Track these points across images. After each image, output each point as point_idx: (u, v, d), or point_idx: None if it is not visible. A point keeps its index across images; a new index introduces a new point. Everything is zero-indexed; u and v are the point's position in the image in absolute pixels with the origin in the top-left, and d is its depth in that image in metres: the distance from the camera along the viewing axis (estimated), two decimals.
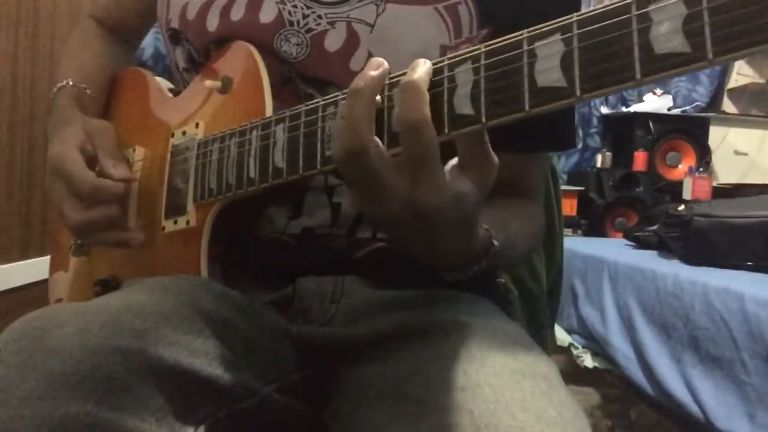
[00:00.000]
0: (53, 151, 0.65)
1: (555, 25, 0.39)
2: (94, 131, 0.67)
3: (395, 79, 0.45)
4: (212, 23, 0.66)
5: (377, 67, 0.44)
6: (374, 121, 0.44)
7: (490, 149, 0.44)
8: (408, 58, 0.45)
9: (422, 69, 0.43)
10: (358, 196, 0.46)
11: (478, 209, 0.47)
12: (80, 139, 0.66)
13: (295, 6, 0.63)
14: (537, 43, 0.39)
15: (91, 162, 0.65)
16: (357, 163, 0.43)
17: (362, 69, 0.60)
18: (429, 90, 0.43)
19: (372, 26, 0.62)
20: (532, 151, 0.68)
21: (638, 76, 0.35)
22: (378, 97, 0.45)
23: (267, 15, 0.63)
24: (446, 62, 0.43)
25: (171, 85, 0.80)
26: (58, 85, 0.74)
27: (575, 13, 0.38)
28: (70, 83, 0.74)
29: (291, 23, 0.63)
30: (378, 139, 0.44)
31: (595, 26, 0.37)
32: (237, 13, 0.64)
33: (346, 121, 0.43)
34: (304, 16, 0.63)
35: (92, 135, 0.67)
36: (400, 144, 0.44)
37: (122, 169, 0.65)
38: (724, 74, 3.15)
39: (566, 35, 0.38)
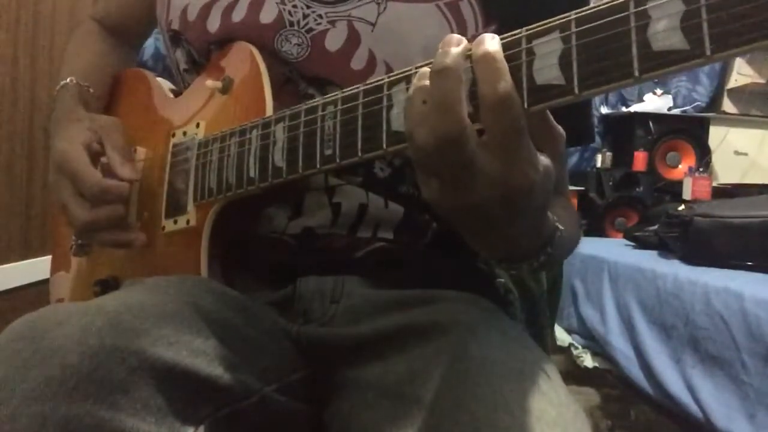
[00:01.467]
0: (58, 148, 0.65)
1: (553, 23, 0.39)
2: (103, 128, 0.68)
3: (395, 78, 0.45)
4: (213, 24, 0.66)
5: (458, 42, 0.40)
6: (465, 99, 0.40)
7: (554, 122, 0.43)
8: (410, 56, 0.44)
9: (494, 40, 0.40)
10: (441, 188, 0.42)
11: (553, 188, 0.44)
12: (86, 137, 0.66)
13: (295, 6, 0.63)
14: (535, 41, 0.39)
15: (96, 159, 0.65)
16: (454, 149, 0.39)
17: (363, 68, 0.60)
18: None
19: (373, 25, 0.61)
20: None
21: (636, 73, 0.35)
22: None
23: (268, 15, 0.63)
24: None
25: (172, 86, 0.80)
26: (62, 83, 0.74)
27: (574, 11, 0.38)
28: (73, 81, 0.74)
29: (291, 23, 0.63)
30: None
31: (594, 24, 0.37)
32: (238, 14, 0.64)
33: (437, 104, 0.39)
34: (305, 16, 0.62)
35: (101, 131, 0.67)
36: (400, 143, 0.43)
37: (130, 169, 0.65)
38: (724, 74, 3.15)
39: (565, 33, 0.38)
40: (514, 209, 0.42)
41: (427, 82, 0.40)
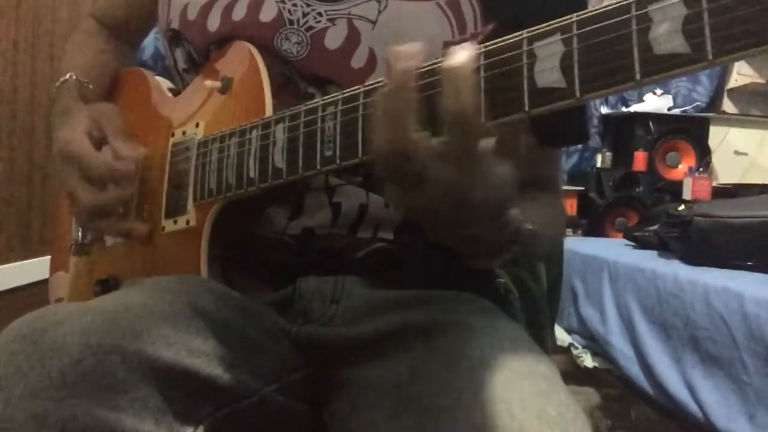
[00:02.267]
0: (61, 138, 0.66)
1: (555, 25, 0.38)
2: (101, 114, 0.68)
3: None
4: (213, 23, 0.66)
5: (410, 57, 0.42)
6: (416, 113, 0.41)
7: (523, 131, 0.43)
8: None
9: (463, 54, 0.41)
10: (399, 193, 0.44)
11: (516, 192, 0.45)
12: (87, 125, 0.66)
13: (294, 4, 0.63)
14: (536, 44, 0.39)
15: (99, 146, 0.66)
16: (403, 161, 0.41)
17: (363, 66, 0.60)
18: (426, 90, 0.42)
19: (374, 23, 0.61)
20: (548, 146, 0.68)
21: (638, 77, 0.35)
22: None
23: (267, 14, 0.63)
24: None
25: (171, 85, 0.80)
26: (61, 79, 0.74)
27: (575, 13, 0.38)
28: (73, 77, 0.74)
29: (291, 22, 0.63)
30: (423, 132, 0.42)
31: (595, 26, 0.36)
32: (239, 13, 0.64)
33: (387, 119, 0.41)
34: (304, 14, 0.62)
35: (100, 118, 0.68)
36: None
37: (133, 150, 0.66)
38: (724, 74, 3.15)
39: (566, 35, 0.38)
40: (468, 215, 0.44)
41: (379, 97, 0.43)
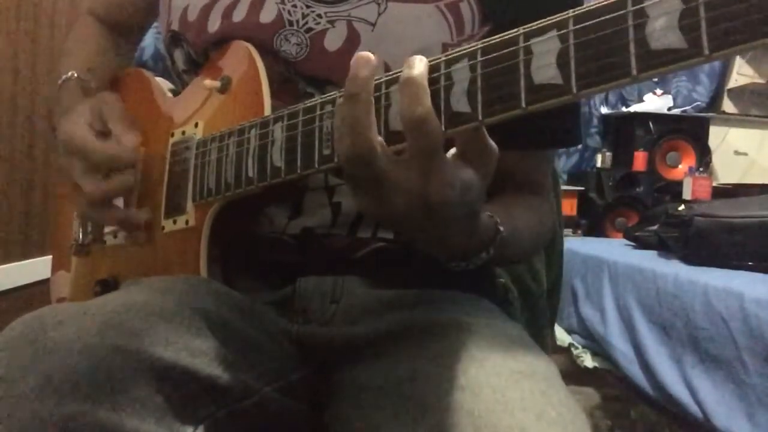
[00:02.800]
0: (63, 130, 0.67)
1: (551, 22, 0.38)
2: (102, 103, 0.68)
3: (392, 77, 0.45)
4: (213, 24, 0.66)
5: (366, 64, 0.44)
6: (375, 121, 0.43)
7: (489, 139, 0.44)
8: (410, 56, 0.44)
9: (420, 64, 0.43)
10: (363, 197, 0.46)
11: (483, 197, 0.47)
12: (88, 116, 0.67)
13: (294, 6, 0.63)
14: (533, 40, 0.39)
15: (101, 137, 0.66)
16: (365, 165, 0.43)
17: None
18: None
19: (373, 25, 0.62)
20: (537, 149, 0.68)
21: (634, 72, 0.35)
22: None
23: (267, 15, 0.63)
24: (442, 59, 0.43)
25: (171, 86, 0.80)
26: (63, 77, 0.74)
27: (571, 10, 0.38)
28: (75, 76, 0.74)
29: (291, 23, 0.63)
30: (382, 139, 0.44)
31: (591, 22, 0.36)
32: (239, 14, 0.64)
33: (348, 125, 0.43)
34: (304, 16, 0.62)
35: (101, 107, 0.68)
36: (400, 141, 0.44)
37: (135, 136, 0.66)
38: (724, 74, 3.15)
39: (562, 32, 0.38)
40: (434, 219, 0.45)
41: (339, 104, 0.44)
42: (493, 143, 0.45)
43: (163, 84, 0.78)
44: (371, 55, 0.44)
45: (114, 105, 0.69)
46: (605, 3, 0.36)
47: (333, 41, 0.62)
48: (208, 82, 0.64)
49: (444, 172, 0.43)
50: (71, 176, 0.66)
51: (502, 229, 0.52)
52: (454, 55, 0.43)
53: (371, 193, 0.45)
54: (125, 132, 0.65)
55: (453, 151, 0.45)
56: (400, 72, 0.45)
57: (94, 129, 0.66)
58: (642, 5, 0.34)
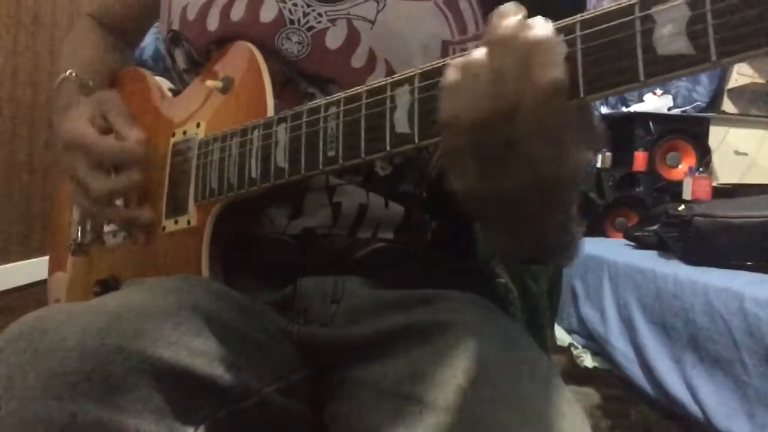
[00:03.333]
0: (63, 129, 0.66)
1: (558, 26, 0.38)
2: (103, 100, 0.68)
3: (396, 79, 0.45)
4: (213, 23, 0.66)
5: (516, 12, 0.39)
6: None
7: (594, 116, 0.42)
8: (410, 55, 0.45)
9: (546, 24, 0.38)
10: (480, 171, 0.41)
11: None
12: (90, 113, 0.67)
13: (295, 4, 0.63)
14: None
15: (103, 133, 0.66)
16: (506, 123, 0.38)
17: (363, 66, 0.60)
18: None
19: (372, 23, 0.62)
20: None
21: (642, 77, 0.35)
22: None
23: (267, 14, 0.63)
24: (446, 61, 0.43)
25: (171, 85, 0.80)
26: (62, 75, 0.74)
27: (579, 15, 0.38)
28: (73, 74, 0.74)
29: (292, 22, 0.63)
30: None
31: (599, 28, 0.37)
32: (237, 13, 0.64)
33: (499, 74, 0.38)
34: (305, 14, 0.63)
35: (102, 104, 0.68)
36: (408, 143, 0.43)
37: (138, 131, 0.65)
38: (724, 74, 3.15)
39: (569, 36, 0.38)
40: (548, 199, 0.42)
41: (476, 56, 0.39)
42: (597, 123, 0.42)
43: (163, 83, 0.78)
44: (518, 9, 0.40)
45: (115, 102, 0.69)
46: (613, 8, 0.36)
47: (334, 40, 0.62)
48: (210, 82, 0.64)
49: (573, 142, 0.40)
50: (74, 174, 0.65)
51: (579, 228, 0.50)
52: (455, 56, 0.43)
53: (492, 162, 0.40)
54: (129, 128, 0.65)
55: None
56: (405, 75, 0.45)
57: (96, 125, 0.66)
58: (649, 11, 0.35)
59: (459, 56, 0.41)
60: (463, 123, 0.40)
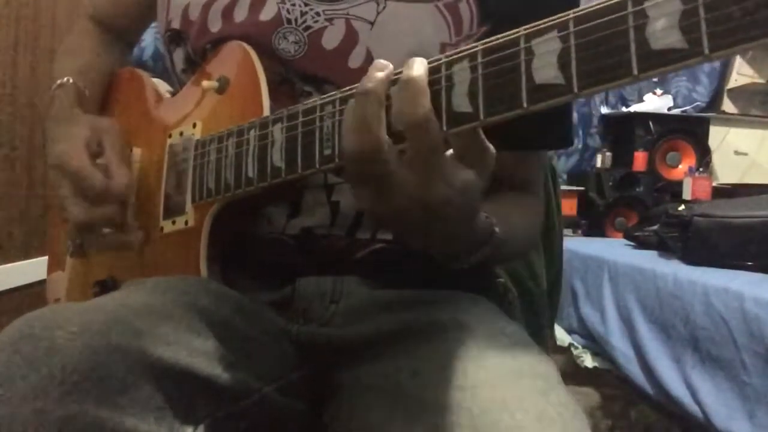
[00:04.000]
0: (58, 148, 0.66)
1: (552, 23, 0.39)
2: (102, 130, 0.68)
3: (392, 78, 0.45)
4: (215, 23, 0.66)
5: (383, 68, 0.45)
6: (385, 120, 0.44)
7: (485, 140, 0.45)
8: (408, 55, 0.45)
9: (420, 65, 0.43)
10: (365, 195, 0.46)
11: (481, 198, 0.47)
12: (86, 138, 0.66)
13: (293, 4, 0.63)
14: (534, 41, 0.39)
15: (95, 158, 0.66)
16: (371, 163, 0.43)
17: (360, 66, 0.60)
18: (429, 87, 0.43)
19: (372, 23, 0.62)
20: (528, 149, 0.68)
21: (635, 72, 0.35)
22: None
23: (267, 14, 0.63)
24: (443, 61, 0.43)
25: (169, 87, 0.80)
26: (58, 81, 0.74)
27: (572, 11, 0.38)
28: (70, 81, 0.74)
29: (289, 21, 0.63)
30: (389, 138, 0.44)
31: (592, 23, 0.37)
32: (240, 13, 0.64)
33: (358, 122, 0.43)
34: (302, 14, 0.63)
35: (101, 133, 0.68)
36: (402, 141, 0.44)
37: (126, 172, 0.66)
38: (724, 74, 3.14)
39: (563, 32, 0.38)
40: (434, 218, 0.45)
41: (350, 106, 0.45)
42: (490, 145, 0.45)
43: (160, 85, 0.78)
44: (389, 63, 0.45)
45: (114, 135, 0.69)
46: (605, 4, 0.36)
47: (331, 39, 0.62)
48: (205, 82, 0.64)
49: (444, 172, 0.43)
50: (59, 194, 0.66)
51: (497, 229, 0.53)
52: (455, 56, 0.43)
53: (373, 192, 0.45)
54: (120, 166, 0.65)
55: (450, 152, 0.45)
56: (399, 73, 0.45)
57: (91, 151, 0.66)
58: (642, 6, 0.35)
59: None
60: (345, 156, 0.45)
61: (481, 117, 0.41)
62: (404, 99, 0.43)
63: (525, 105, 0.39)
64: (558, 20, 0.38)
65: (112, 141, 0.67)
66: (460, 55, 0.43)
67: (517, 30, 0.40)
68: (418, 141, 0.43)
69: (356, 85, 0.49)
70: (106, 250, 0.73)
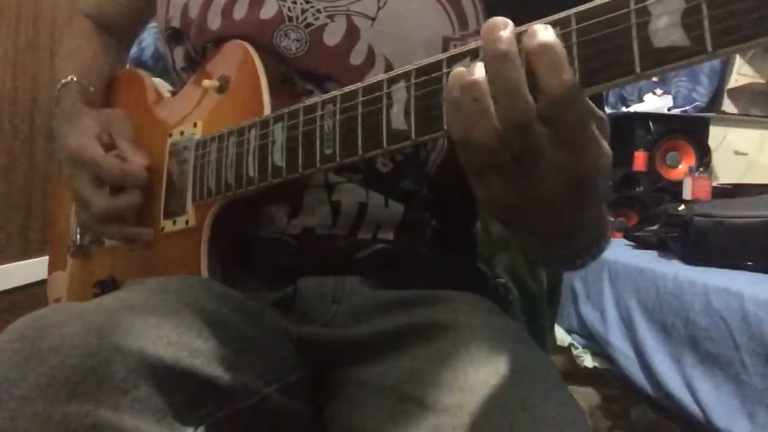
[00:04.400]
0: (71, 143, 0.67)
1: (554, 20, 0.38)
2: (110, 120, 0.69)
3: (393, 75, 0.45)
4: (215, 22, 0.66)
5: (506, 25, 0.39)
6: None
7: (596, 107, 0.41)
8: (410, 51, 0.44)
9: (548, 30, 0.38)
10: (505, 181, 0.40)
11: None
12: (96, 130, 0.67)
13: (294, 1, 0.63)
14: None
15: (108, 150, 0.66)
16: (522, 135, 0.38)
17: (362, 63, 0.59)
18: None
19: (373, 20, 0.61)
20: None
21: (638, 70, 0.35)
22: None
23: (267, 12, 0.63)
24: (444, 58, 0.43)
25: (170, 87, 0.80)
26: (62, 81, 0.74)
27: (574, 8, 0.38)
28: (74, 79, 0.74)
29: (290, 18, 0.63)
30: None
31: (594, 20, 0.36)
32: (240, 11, 0.64)
33: (503, 91, 0.37)
34: (303, 11, 0.62)
35: (109, 124, 0.68)
36: (403, 140, 0.43)
37: (142, 156, 0.66)
38: (724, 74, 3.14)
39: (565, 30, 0.38)
40: (579, 197, 0.41)
41: (476, 77, 0.38)
42: (601, 112, 0.41)
43: (161, 84, 0.78)
44: (508, 20, 0.39)
45: (123, 124, 0.69)
46: (608, 1, 0.36)
47: (332, 36, 0.62)
48: (206, 81, 0.64)
49: (595, 140, 0.39)
50: (77, 188, 0.66)
51: (611, 219, 0.49)
52: (458, 54, 0.42)
53: (516, 170, 0.39)
54: (133, 151, 0.66)
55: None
56: (402, 71, 0.45)
57: (103, 143, 0.66)
58: (645, 3, 0.34)
59: (458, 68, 0.40)
60: (475, 143, 0.39)
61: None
62: (545, 67, 0.37)
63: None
64: (560, 17, 0.38)
65: (120, 130, 0.68)
66: (463, 52, 0.42)
67: (520, 27, 0.39)
68: (566, 113, 0.37)
69: (358, 84, 0.48)
70: (107, 250, 0.73)
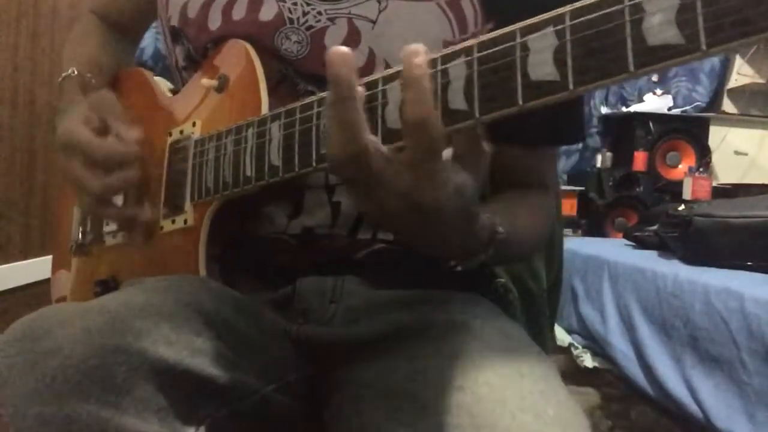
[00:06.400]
0: (61, 129, 0.67)
1: (547, 18, 0.38)
2: (98, 101, 0.69)
3: (388, 74, 0.45)
4: (214, 22, 0.66)
5: (343, 62, 0.42)
6: (365, 121, 0.42)
7: (482, 141, 0.44)
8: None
9: (421, 64, 0.41)
10: (357, 197, 0.45)
11: (477, 199, 0.46)
12: (84, 115, 0.67)
13: (295, 3, 0.63)
14: (530, 36, 0.39)
15: (100, 134, 0.66)
16: (356, 165, 0.42)
17: (362, 66, 0.60)
18: None
19: (374, 22, 0.61)
20: (540, 144, 0.68)
21: (632, 68, 0.34)
22: (362, 91, 0.44)
23: (267, 13, 0.63)
24: (439, 57, 0.43)
25: (170, 85, 0.80)
26: (64, 74, 0.75)
27: (569, 5, 0.37)
28: (75, 72, 0.74)
29: (291, 21, 0.63)
30: (375, 138, 0.43)
31: (588, 18, 0.36)
32: (239, 12, 0.64)
33: (340, 125, 0.42)
34: (304, 13, 0.62)
35: (98, 105, 0.68)
36: (398, 139, 0.43)
37: (135, 132, 0.65)
38: (724, 74, 3.15)
39: (558, 27, 0.37)
40: (428, 221, 0.44)
41: (328, 106, 0.43)
42: (486, 145, 0.44)
43: (163, 84, 0.78)
44: (346, 49, 0.42)
45: (111, 103, 0.69)
46: None
47: (333, 39, 0.62)
48: (205, 80, 0.64)
49: (438, 174, 0.42)
50: (72, 173, 0.65)
51: (500, 230, 0.52)
52: (450, 52, 0.42)
53: (365, 193, 0.44)
54: (125, 128, 0.65)
55: (448, 152, 0.44)
56: (398, 69, 0.45)
57: (93, 126, 0.66)
58: (639, 1, 0.34)
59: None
60: (329, 158, 0.44)
61: (477, 115, 0.41)
62: (406, 98, 0.41)
63: (520, 102, 0.39)
64: (554, 15, 0.38)
65: (110, 109, 0.68)
66: (455, 51, 0.42)
67: (512, 26, 0.40)
68: (418, 142, 0.41)
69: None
70: (108, 249, 0.73)
